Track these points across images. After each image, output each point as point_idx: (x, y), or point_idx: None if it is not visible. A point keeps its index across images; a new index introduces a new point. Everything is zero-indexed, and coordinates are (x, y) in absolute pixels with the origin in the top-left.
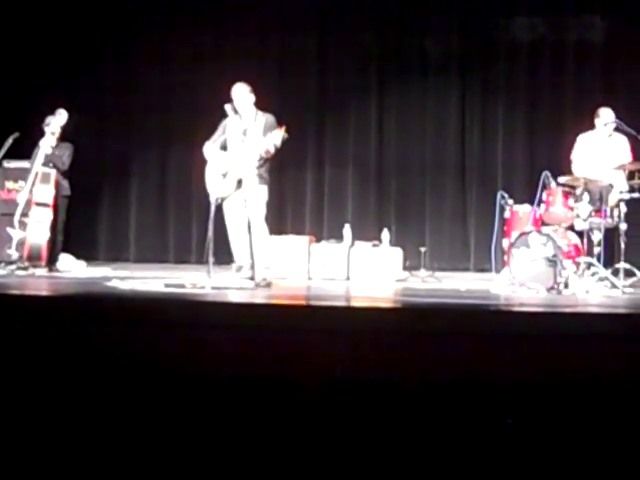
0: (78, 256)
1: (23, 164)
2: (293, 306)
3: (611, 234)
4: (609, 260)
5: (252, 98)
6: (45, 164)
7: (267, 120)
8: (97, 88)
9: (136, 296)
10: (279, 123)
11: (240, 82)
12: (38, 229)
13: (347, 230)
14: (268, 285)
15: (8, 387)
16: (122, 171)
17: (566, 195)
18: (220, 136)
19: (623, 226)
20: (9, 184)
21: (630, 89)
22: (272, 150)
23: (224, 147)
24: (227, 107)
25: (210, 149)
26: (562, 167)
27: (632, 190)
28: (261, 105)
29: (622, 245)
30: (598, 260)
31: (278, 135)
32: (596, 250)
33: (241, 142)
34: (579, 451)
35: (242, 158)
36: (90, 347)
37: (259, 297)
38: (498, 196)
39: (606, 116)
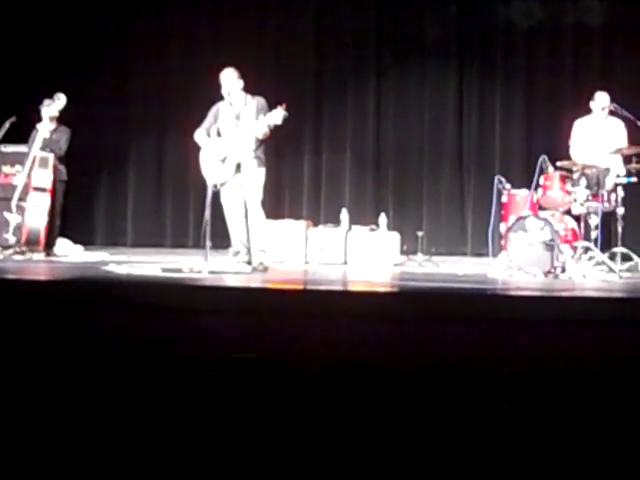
0: (75, 241)
1: (20, 148)
2: (290, 290)
3: (608, 218)
4: (606, 244)
5: (241, 83)
6: (42, 148)
7: (258, 103)
8: (95, 73)
9: (133, 280)
10: (278, 102)
11: (228, 67)
12: (36, 214)
13: (344, 214)
14: (265, 269)
15: (4, 372)
16: (119, 156)
17: (563, 179)
18: (212, 123)
19: (620, 210)
20: (6, 168)
21: (629, 73)
22: (269, 131)
23: (218, 134)
24: (224, 92)
25: (203, 136)
26: (560, 151)
27: (629, 174)
28: (258, 90)
29: (619, 229)
30: (595, 244)
31: (279, 114)
32: (593, 234)
33: (235, 127)
34: (578, 437)
35: (239, 142)
36: (87, 331)
37: (256, 281)
38: (495, 180)
39: (601, 100)
